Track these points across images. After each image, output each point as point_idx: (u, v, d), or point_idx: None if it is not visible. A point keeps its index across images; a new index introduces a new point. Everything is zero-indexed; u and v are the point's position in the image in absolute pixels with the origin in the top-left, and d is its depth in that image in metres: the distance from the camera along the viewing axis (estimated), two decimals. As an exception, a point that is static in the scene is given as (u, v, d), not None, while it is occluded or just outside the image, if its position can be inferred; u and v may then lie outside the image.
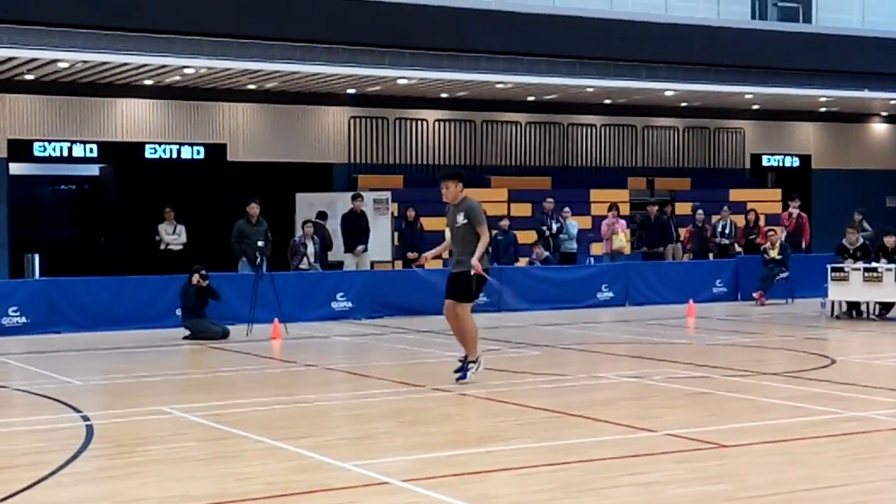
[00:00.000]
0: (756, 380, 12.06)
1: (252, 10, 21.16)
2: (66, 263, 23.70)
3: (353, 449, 8.67)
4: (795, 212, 24.47)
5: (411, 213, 22.98)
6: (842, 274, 19.22)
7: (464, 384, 11.60)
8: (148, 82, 23.47)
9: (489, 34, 22.95)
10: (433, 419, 10.03)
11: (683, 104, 28.93)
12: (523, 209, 25.92)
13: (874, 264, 19.10)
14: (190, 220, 23.39)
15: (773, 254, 22.37)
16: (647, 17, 24.70)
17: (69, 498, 7.18)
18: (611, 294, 22.12)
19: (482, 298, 12.33)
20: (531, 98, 27.23)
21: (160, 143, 24.69)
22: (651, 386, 11.76)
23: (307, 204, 23.85)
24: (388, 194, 24.50)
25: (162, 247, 22.92)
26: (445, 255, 13.55)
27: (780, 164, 31.78)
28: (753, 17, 27.18)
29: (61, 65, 21.14)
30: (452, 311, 11.77)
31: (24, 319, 17.68)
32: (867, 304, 19.48)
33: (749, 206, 26.10)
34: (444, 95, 26.34)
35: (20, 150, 23.54)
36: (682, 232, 25.10)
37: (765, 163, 31.55)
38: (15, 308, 17.64)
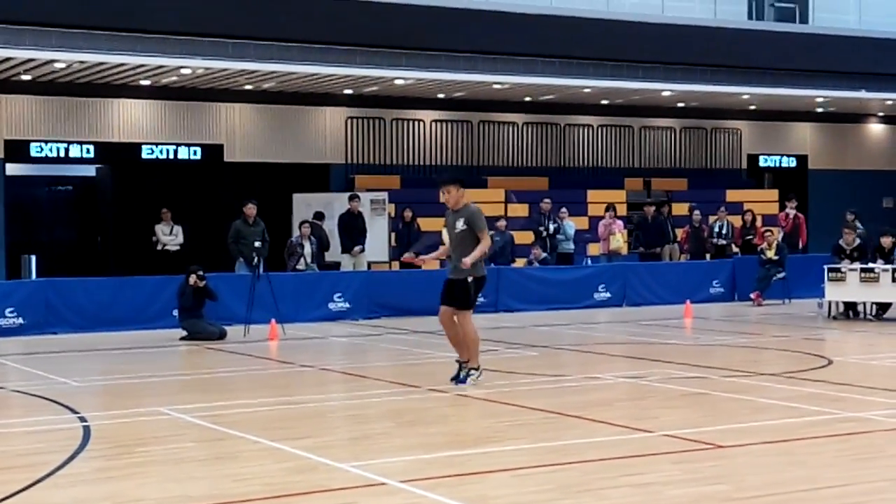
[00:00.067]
0: (753, 380, 12.07)
1: (249, 10, 21.16)
2: (63, 264, 23.69)
3: (350, 450, 8.67)
4: (792, 212, 24.49)
5: (408, 214, 22.99)
6: (838, 274, 19.24)
7: (460, 387, 11.58)
8: (145, 83, 23.46)
9: (486, 34, 22.96)
10: (431, 420, 10.03)
11: (680, 104, 28.94)
12: (520, 210, 25.93)
13: (871, 265, 19.11)
14: (187, 221, 23.39)
15: (770, 254, 22.38)
16: (643, 18, 24.71)
17: (67, 499, 7.18)
18: (608, 294, 22.13)
19: (480, 298, 12.26)
20: (528, 98, 27.24)
21: (157, 144, 24.69)
22: (648, 386, 11.76)
23: (304, 204, 23.85)
24: (385, 195, 24.50)
25: (159, 247, 22.91)
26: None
27: (777, 165, 31.81)
28: (750, 17, 27.20)
29: (58, 65, 21.13)
30: (449, 318, 11.72)
31: (20, 320, 17.66)
32: (864, 304, 19.49)
33: (746, 206, 26.12)
34: (440, 96, 26.34)
35: (17, 150, 23.53)
36: (679, 232, 25.11)
37: (761, 163, 31.58)
38: (12, 309, 17.62)
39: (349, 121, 26.62)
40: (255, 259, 18.25)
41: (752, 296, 22.24)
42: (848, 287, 19.20)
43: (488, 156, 28.11)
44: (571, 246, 23.87)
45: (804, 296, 21.49)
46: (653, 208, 25.34)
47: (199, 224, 23.91)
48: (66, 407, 10.64)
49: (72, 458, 8.30)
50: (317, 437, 9.23)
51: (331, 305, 19.79)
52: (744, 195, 28.49)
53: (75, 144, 23.98)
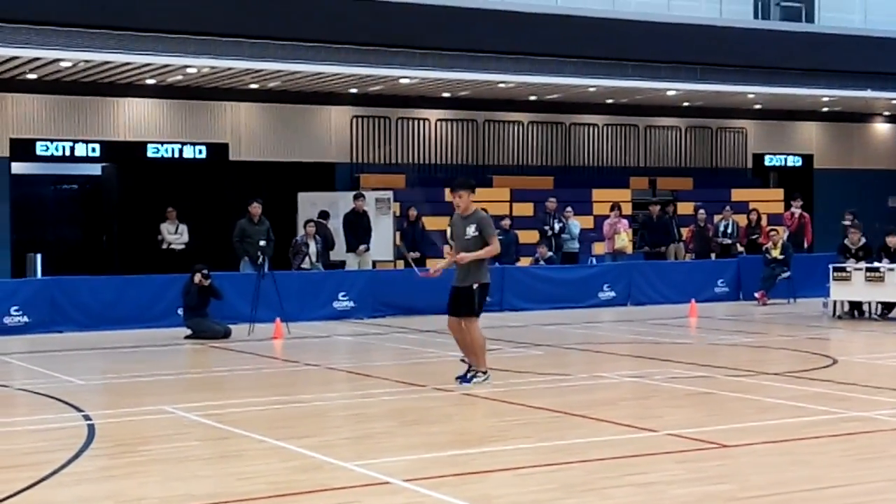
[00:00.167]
0: (758, 380, 12.06)
1: (254, 9, 21.16)
2: (69, 263, 23.72)
3: (354, 449, 8.67)
4: (797, 211, 24.46)
5: (413, 213, 22.97)
6: (844, 274, 19.21)
7: (464, 387, 11.58)
8: (150, 82, 23.48)
9: (491, 34, 22.95)
10: (435, 419, 10.03)
11: (686, 104, 28.91)
12: (525, 209, 25.92)
13: (876, 264, 19.09)
14: (192, 220, 23.40)
15: (775, 253, 22.36)
16: (649, 17, 24.69)
17: (71, 497, 7.19)
18: (613, 294, 22.12)
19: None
20: (533, 97, 27.22)
21: (162, 143, 24.70)
22: (653, 386, 11.75)
23: (309, 203, 23.85)
24: (390, 194, 24.50)
25: (164, 246, 22.92)
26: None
27: (783, 164, 31.77)
28: (756, 16, 27.17)
29: (64, 64, 21.15)
30: (457, 326, 11.75)
31: (26, 319, 17.68)
32: (869, 303, 19.47)
33: (751, 205, 26.10)
34: (446, 95, 26.33)
35: (23, 149, 23.55)
36: (685, 232, 25.09)
37: (767, 162, 31.54)
38: (17, 307, 17.65)
39: (354, 120, 26.62)
40: (260, 258, 18.26)
41: (757, 295, 22.21)
42: (853, 286, 19.18)
43: (493, 155, 28.10)
44: (576, 245, 23.86)
45: (809, 295, 21.47)
46: (658, 207, 25.32)
47: (204, 223, 23.92)
48: (71, 405, 10.65)
49: (76, 456, 8.31)
50: (321, 435, 9.23)
51: (335, 304, 19.80)
52: (749, 194, 28.46)
53: (81, 143, 24.00)
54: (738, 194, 28.42)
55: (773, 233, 22.89)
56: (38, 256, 22.94)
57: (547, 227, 23.32)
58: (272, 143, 25.75)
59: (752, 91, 26.63)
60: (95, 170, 25.53)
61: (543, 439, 8.80)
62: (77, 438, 8.96)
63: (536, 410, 10.17)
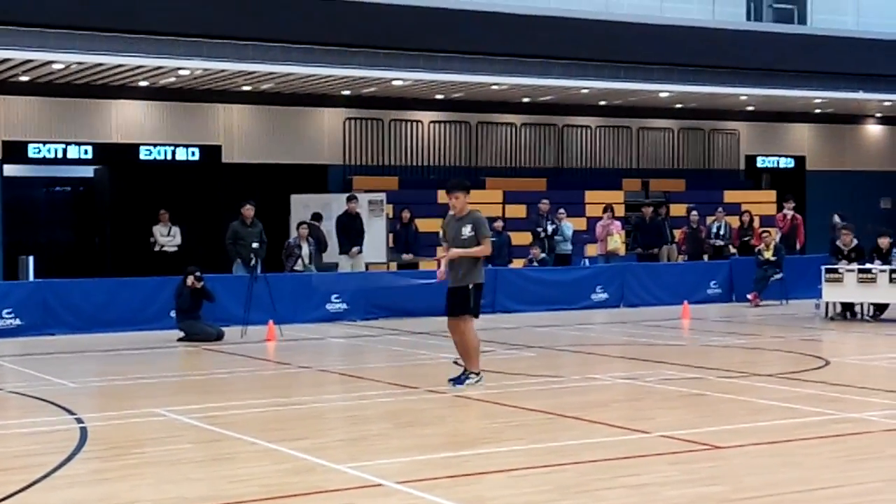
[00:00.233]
0: (750, 381, 12.07)
1: (247, 11, 21.15)
2: (61, 265, 23.68)
3: (347, 451, 8.67)
4: (790, 213, 24.49)
5: (406, 215, 22.98)
6: (836, 275, 19.25)
7: (457, 389, 11.58)
8: (143, 84, 23.46)
9: (484, 35, 22.96)
10: (428, 421, 10.04)
11: (678, 105, 28.95)
12: (518, 210, 25.93)
13: (868, 265, 19.12)
14: (185, 222, 23.38)
15: (768, 255, 22.39)
16: (641, 19, 24.72)
17: (63, 500, 7.18)
18: (606, 295, 22.13)
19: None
20: (526, 99, 27.24)
21: (155, 145, 24.68)
22: (645, 387, 11.76)
23: (302, 205, 23.84)
24: (382, 196, 24.50)
25: (157, 248, 22.89)
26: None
27: (775, 166, 31.82)
28: (748, 18, 27.23)
29: (56, 66, 21.12)
30: (456, 326, 11.77)
31: (18, 321, 17.64)
32: (861, 305, 19.50)
33: (743, 207, 26.14)
34: (439, 97, 26.34)
35: (15, 151, 23.51)
36: (677, 233, 25.11)
37: (759, 164, 31.58)
38: (9, 310, 17.61)
39: (347, 122, 26.62)
40: (253, 260, 18.25)
41: (749, 296, 22.24)
42: (845, 288, 19.21)
43: (486, 157, 28.11)
44: (569, 247, 23.88)
45: (802, 296, 21.51)
46: (651, 209, 25.34)
47: (196, 225, 23.90)
48: (63, 408, 10.63)
49: (68, 459, 8.29)
50: (314, 438, 9.23)
51: (328, 307, 19.78)
52: (741, 196, 28.50)
53: (73, 145, 23.97)
54: (730, 196, 28.45)
55: (765, 234, 22.93)
56: (31, 259, 22.87)
57: (540, 229, 23.33)
58: (265, 145, 25.73)
59: (745, 93, 26.67)
60: (88, 172, 25.49)
61: (536, 441, 8.80)
62: (69, 441, 8.94)
63: (529, 412, 10.17)
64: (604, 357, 14.64)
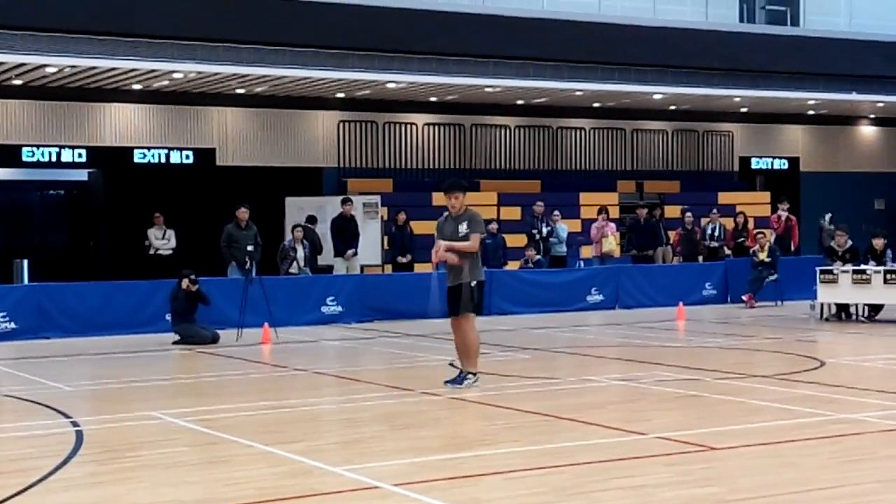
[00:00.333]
0: (746, 382, 12.08)
1: (241, 14, 21.15)
2: (55, 268, 23.63)
3: (343, 453, 8.67)
4: (784, 214, 24.53)
5: (402, 217, 22.97)
6: (831, 276, 19.26)
7: (456, 389, 11.58)
8: (137, 87, 23.44)
9: (478, 38, 22.98)
10: (424, 423, 10.03)
11: (672, 107, 28.98)
12: (513, 213, 25.95)
13: (863, 266, 19.14)
14: (179, 225, 23.36)
15: (762, 256, 22.41)
16: (635, 21, 24.75)
17: (59, 504, 7.17)
18: (601, 297, 22.14)
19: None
20: (520, 102, 27.26)
21: (149, 148, 24.68)
22: (641, 389, 11.77)
23: (297, 208, 23.84)
24: (377, 198, 24.51)
25: (151, 251, 22.87)
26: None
27: (769, 167, 31.87)
28: (741, 20, 27.27)
29: (49, 69, 21.11)
30: (458, 325, 11.77)
31: (13, 325, 17.62)
32: (856, 306, 19.52)
33: (738, 208, 26.16)
34: (433, 99, 26.35)
35: (8, 155, 23.50)
36: (672, 235, 25.14)
37: (753, 165, 31.63)
38: (4, 313, 17.59)
39: (341, 124, 26.62)
40: (248, 263, 18.24)
41: (744, 298, 22.26)
42: (840, 289, 19.22)
43: (481, 159, 28.13)
44: (564, 249, 23.89)
45: (796, 298, 21.53)
46: (645, 211, 25.36)
47: (191, 228, 23.88)
48: (59, 412, 10.62)
49: (64, 463, 8.28)
50: (310, 440, 9.22)
51: (323, 309, 19.78)
52: (736, 197, 28.55)
53: (67, 149, 23.96)
54: (724, 197, 28.49)
55: (760, 235, 22.95)
56: (25, 262, 22.89)
57: (535, 231, 23.34)
58: (259, 147, 25.73)
59: (739, 94, 26.71)
60: (82, 175, 25.47)
61: (532, 443, 8.80)
62: (65, 445, 8.93)
63: (525, 414, 10.17)
64: (599, 359, 14.64)
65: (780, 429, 9.28)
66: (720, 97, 27.07)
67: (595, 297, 22.11)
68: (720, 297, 23.17)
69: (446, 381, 11.85)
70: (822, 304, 19.57)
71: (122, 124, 24.46)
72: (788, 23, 27.55)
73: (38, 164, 23.97)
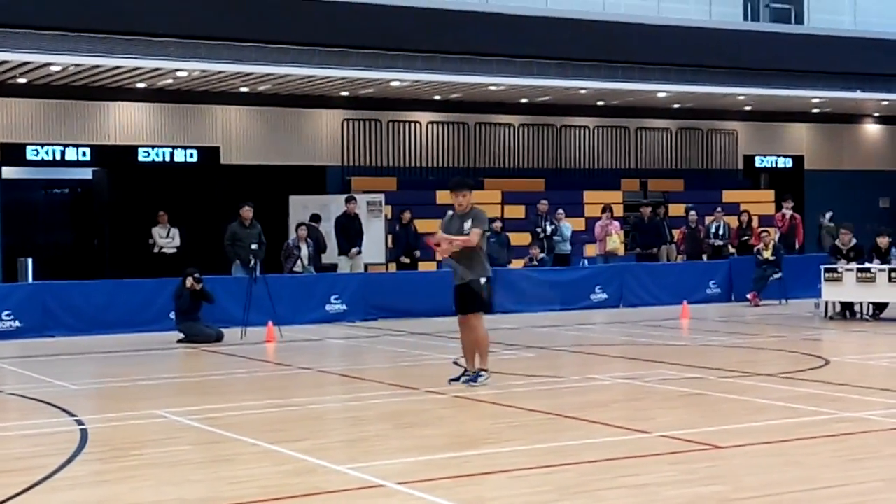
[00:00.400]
0: (750, 381, 12.07)
1: (245, 13, 21.15)
2: (60, 267, 23.65)
3: (347, 452, 8.67)
4: (788, 213, 24.50)
5: (407, 216, 22.97)
6: (835, 275, 19.25)
7: (473, 387, 11.58)
8: (141, 85, 23.45)
9: (482, 36, 22.96)
10: (428, 422, 10.03)
11: (676, 105, 28.96)
12: (517, 211, 25.94)
13: (867, 265, 19.12)
14: (183, 224, 23.37)
15: (767, 255, 22.39)
16: (639, 19, 24.73)
17: (64, 502, 7.17)
18: (605, 295, 22.14)
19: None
20: (524, 100, 27.25)
21: (153, 147, 24.69)
22: (645, 387, 11.76)
23: (301, 206, 23.84)
24: (381, 196, 24.52)
25: (156, 250, 22.88)
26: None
27: (773, 165, 31.83)
28: (746, 18, 27.23)
29: (54, 68, 21.12)
30: (468, 325, 11.77)
31: (17, 323, 17.65)
32: (861, 304, 19.50)
33: (742, 207, 26.16)
34: (437, 97, 26.35)
35: (13, 153, 23.52)
36: (676, 233, 25.13)
37: (758, 164, 31.60)
38: (9, 312, 17.61)
39: (345, 123, 26.62)
40: (252, 261, 18.25)
41: (748, 296, 22.25)
42: (844, 287, 19.21)
43: (485, 157, 28.12)
44: (568, 247, 23.90)
45: (801, 296, 21.51)
46: (649, 209, 25.35)
47: (195, 226, 23.89)
48: (63, 410, 10.63)
49: (69, 461, 8.29)
50: (314, 439, 9.23)
51: (328, 308, 19.78)
52: (740, 196, 28.52)
53: (71, 147, 23.98)
54: (729, 196, 28.47)
55: (764, 234, 22.93)
56: (30, 261, 22.87)
57: (539, 230, 23.34)
58: (263, 146, 25.73)
59: (743, 92, 26.68)
60: (86, 174, 25.48)
61: (537, 441, 8.80)
62: (70, 443, 8.94)
63: (529, 412, 10.17)
64: (603, 357, 14.64)
65: (784, 427, 9.28)
66: (724, 95, 27.05)
67: (599, 296, 22.11)
68: (724, 295, 23.16)
69: (451, 380, 11.86)
70: (826, 303, 19.56)
71: (126, 123, 24.47)
72: (793, 21, 27.52)
73: (42, 163, 23.99)
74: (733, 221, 25.10)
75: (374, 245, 23.44)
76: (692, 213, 25.04)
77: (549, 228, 23.37)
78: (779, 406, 10.33)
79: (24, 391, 12.06)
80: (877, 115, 32.22)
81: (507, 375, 12.66)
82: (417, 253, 22.78)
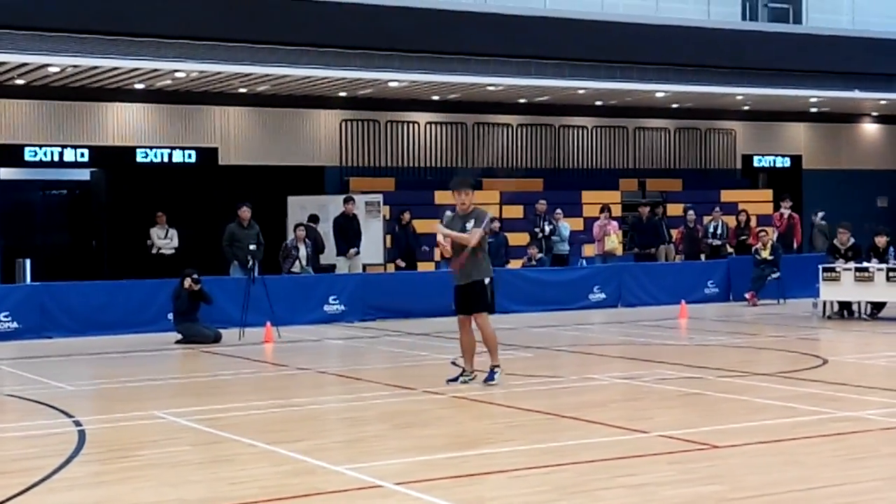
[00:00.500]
0: (748, 380, 12.08)
1: (242, 13, 21.14)
2: (58, 268, 23.63)
3: (346, 452, 8.67)
4: (787, 212, 24.51)
5: (406, 216, 22.95)
6: (833, 274, 19.25)
7: (491, 385, 11.60)
8: (139, 86, 23.45)
9: (480, 36, 22.96)
10: (427, 422, 10.03)
11: (674, 105, 28.96)
12: (515, 211, 25.95)
13: (865, 264, 19.13)
14: (182, 224, 23.36)
15: (765, 254, 22.40)
16: (637, 19, 24.73)
17: (62, 503, 7.17)
18: (603, 295, 22.14)
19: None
20: (522, 100, 27.25)
21: (151, 147, 24.68)
22: (643, 387, 11.77)
23: (299, 207, 23.84)
24: (379, 197, 24.51)
25: (154, 251, 22.87)
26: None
27: (772, 165, 31.84)
28: (744, 17, 27.24)
29: (52, 69, 21.11)
30: (469, 326, 11.76)
31: (15, 324, 17.63)
32: (859, 303, 19.51)
33: (740, 206, 26.16)
34: (435, 98, 26.35)
35: (11, 154, 23.51)
36: (674, 233, 25.13)
37: (756, 163, 31.61)
38: (6, 313, 17.60)
39: (343, 123, 26.62)
40: (250, 262, 18.24)
41: (746, 296, 22.25)
42: (843, 287, 19.21)
43: (483, 157, 28.11)
44: (566, 247, 23.89)
45: (799, 296, 21.51)
46: (647, 209, 25.35)
47: (193, 227, 23.88)
48: (61, 411, 10.62)
49: (67, 462, 8.28)
50: (313, 439, 9.23)
51: (326, 308, 19.78)
52: (738, 195, 28.53)
53: (69, 148, 23.97)
54: (727, 195, 28.48)
55: (762, 233, 22.93)
56: (27, 262, 22.86)
57: (537, 230, 23.34)
58: (262, 147, 25.73)
59: (741, 92, 26.69)
60: (84, 175, 25.47)
61: (535, 441, 8.80)
62: (68, 444, 8.94)
63: (528, 412, 10.17)
64: (602, 357, 14.64)
65: (782, 427, 9.28)
66: (722, 95, 27.05)
67: (597, 296, 22.11)
68: (722, 295, 23.16)
69: (449, 380, 11.87)
70: (824, 302, 19.56)
71: (124, 124, 24.46)
72: (791, 20, 27.53)
73: (40, 164, 23.98)
74: (731, 221, 25.10)
75: (373, 245, 23.43)
76: (690, 212, 25.04)
77: (547, 228, 23.37)
78: (777, 405, 10.34)
79: (22, 392, 12.05)
80: (875, 114, 32.24)
81: (506, 375, 12.64)
82: (425, 248, 22.74)
